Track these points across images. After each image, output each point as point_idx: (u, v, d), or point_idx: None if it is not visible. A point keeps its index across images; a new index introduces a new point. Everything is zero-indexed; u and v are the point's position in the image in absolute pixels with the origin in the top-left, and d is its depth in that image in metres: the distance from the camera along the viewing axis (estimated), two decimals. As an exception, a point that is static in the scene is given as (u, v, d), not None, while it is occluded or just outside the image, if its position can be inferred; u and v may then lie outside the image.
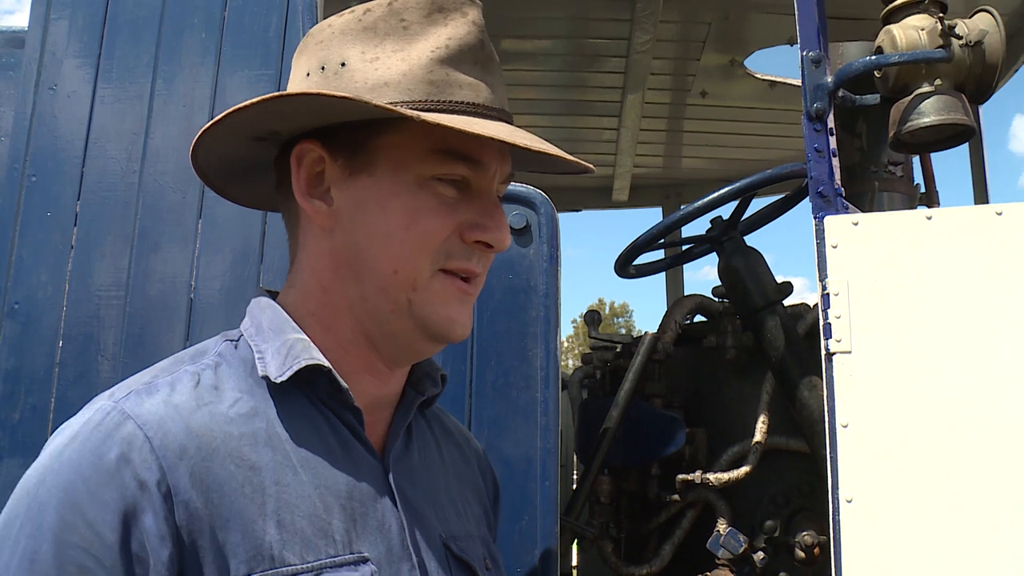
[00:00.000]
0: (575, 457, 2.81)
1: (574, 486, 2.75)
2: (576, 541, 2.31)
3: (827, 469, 1.89)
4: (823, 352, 1.91)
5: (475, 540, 1.30)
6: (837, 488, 1.87)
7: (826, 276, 1.94)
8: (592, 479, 2.32)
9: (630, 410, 2.59)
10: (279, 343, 1.12)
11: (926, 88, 2.01)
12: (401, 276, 1.11)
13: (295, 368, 1.09)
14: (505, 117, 1.14)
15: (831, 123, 2.05)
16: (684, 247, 2.76)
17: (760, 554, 2.43)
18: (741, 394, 2.63)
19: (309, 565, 1.02)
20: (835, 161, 2.05)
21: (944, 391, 1.83)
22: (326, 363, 1.11)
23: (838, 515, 1.85)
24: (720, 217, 2.58)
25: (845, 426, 1.88)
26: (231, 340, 1.16)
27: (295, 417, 1.10)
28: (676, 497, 2.59)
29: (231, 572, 0.97)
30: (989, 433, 1.80)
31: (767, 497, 2.58)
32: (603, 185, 4.69)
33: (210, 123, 1.11)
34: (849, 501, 1.85)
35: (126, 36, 2.22)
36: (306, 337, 1.13)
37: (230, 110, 1.08)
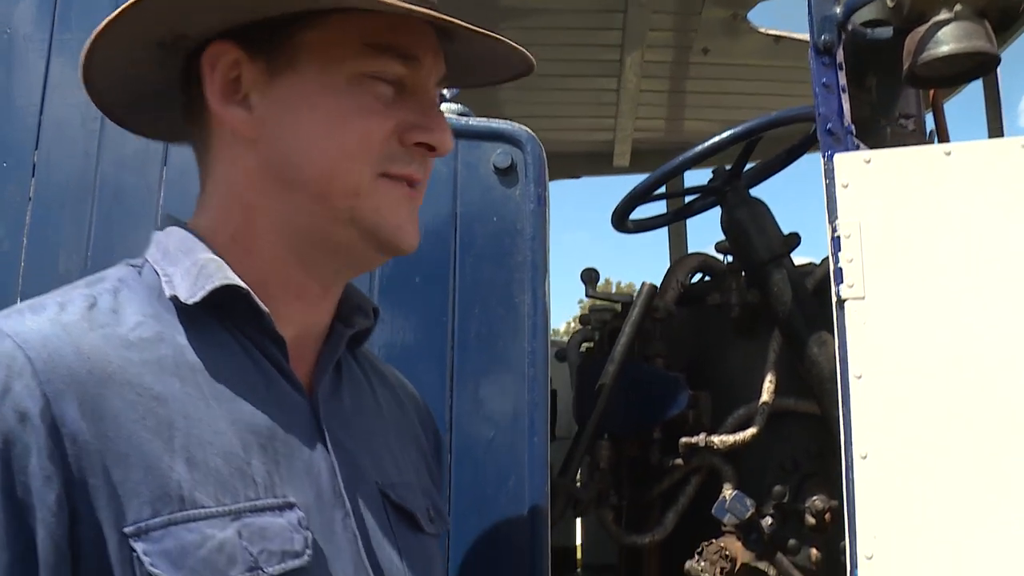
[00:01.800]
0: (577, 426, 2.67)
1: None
2: (574, 507, 2.18)
3: (839, 424, 1.75)
4: (834, 299, 1.78)
5: (414, 489, 1.17)
6: (851, 444, 1.74)
7: (836, 218, 1.80)
8: (588, 439, 2.19)
9: (630, 372, 2.46)
10: (189, 263, 0.99)
11: (944, 15, 1.86)
12: (340, 182, 1.00)
13: (208, 288, 0.96)
14: (434, 6, 1.02)
15: (840, 57, 1.91)
16: (685, 199, 2.62)
17: (768, 520, 2.31)
18: (747, 354, 2.51)
19: (227, 508, 0.88)
20: (845, 97, 1.91)
21: (964, 338, 1.70)
22: (243, 284, 0.98)
23: (852, 472, 1.73)
24: (722, 167, 2.44)
25: (859, 377, 1.75)
26: (134, 266, 1.03)
27: (209, 345, 0.97)
28: (679, 462, 2.46)
29: (132, 514, 0.83)
30: (1013, 382, 1.66)
31: (775, 462, 2.46)
32: (603, 150, 4.54)
33: (105, 22, 0.97)
34: (864, 457, 1.72)
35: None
36: (220, 258, 1.00)
37: (126, 4, 0.95)
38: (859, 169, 1.81)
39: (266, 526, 0.91)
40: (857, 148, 1.88)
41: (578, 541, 4.08)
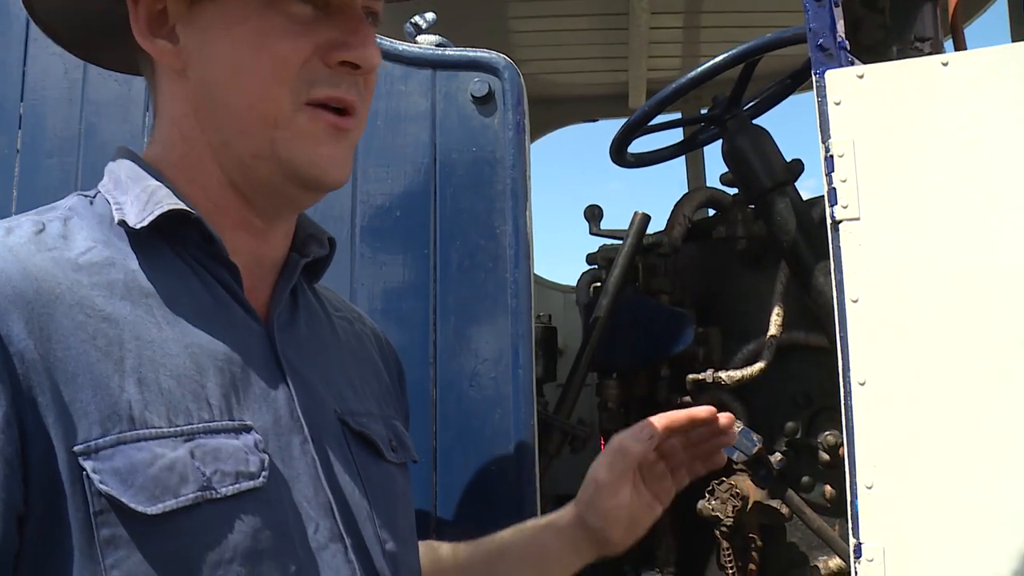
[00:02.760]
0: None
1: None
2: (571, 443, 2.16)
3: (837, 350, 1.70)
4: (828, 220, 1.71)
5: (375, 418, 1.16)
6: (848, 370, 1.68)
7: (829, 137, 1.73)
8: (582, 373, 2.16)
9: (636, 309, 2.43)
10: (138, 190, 0.98)
11: (947, -81, 1.77)
12: (258, 111, 0.97)
13: (157, 213, 0.95)
14: None
15: (833, -32, 1.83)
16: (683, 128, 2.55)
17: (778, 456, 2.26)
18: (755, 287, 2.45)
19: (179, 429, 0.88)
20: (837, 11, 1.83)
21: (965, 259, 1.63)
22: (192, 209, 0.97)
23: (850, 400, 1.67)
24: (723, 95, 2.37)
25: (855, 301, 1.69)
26: (86, 196, 1.02)
27: (161, 271, 0.96)
28: (687, 399, 2.42)
29: (81, 433, 0.83)
30: (1016, 302, 1.60)
31: (786, 397, 2.41)
32: (618, 92, 4.45)
33: None
34: (862, 384, 1.67)
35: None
36: (170, 183, 1.00)
37: None
38: (851, 85, 1.74)
39: (220, 447, 0.90)
40: (852, 64, 1.81)
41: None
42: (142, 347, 0.89)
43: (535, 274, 4.74)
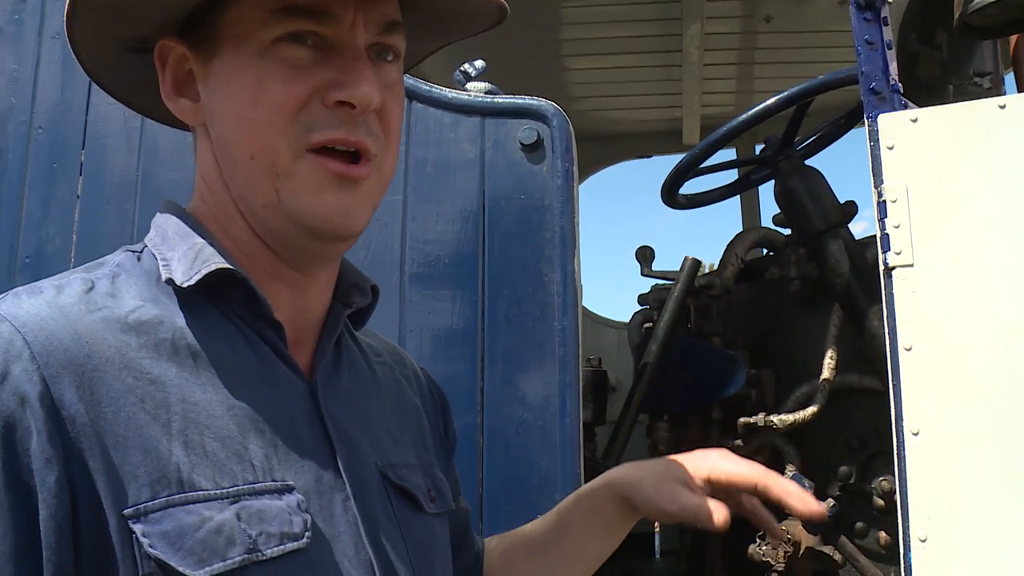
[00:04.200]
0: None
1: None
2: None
3: (891, 399, 1.67)
4: (881, 267, 1.69)
5: (415, 469, 1.15)
6: (901, 420, 1.65)
7: (882, 181, 1.71)
8: (631, 420, 2.14)
9: (687, 351, 2.41)
10: (186, 247, 0.99)
11: (995, -43, 1.75)
12: (258, 161, 0.96)
13: (204, 272, 0.95)
14: None
15: (884, 12, 1.81)
16: (737, 169, 2.54)
17: (830, 501, 2.22)
18: (810, 329, 2.42)
19: (224, 491, 0.88)
20: (890, 54, 1.81)
21: (1021, 307, 1.59)
22: (239, 269, 0.97)
23: (903, 450, 1.64)
24: (775, 136, 2.35)
25: (908, 349, 1.66)
26: (133, 251, 1.02)
27: (207, 330, 0.96)
28: (739, 443, 2.39)
29: (131, 497, 0.83)
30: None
31: (841, 440, 2.37)
32: (672, 128, 4.45)
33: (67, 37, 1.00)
34: (915, 434, 1.63)
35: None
36: (217, 242, 1.00)
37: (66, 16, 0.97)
38: (905, 129, 1.72)
39: (264, 508, 0.90)
40: (905, 107, 1.79)
41: (656, 527, 4.02)
42: (188, 409, 0.89)
43: (587, 309, 4.76)
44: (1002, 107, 1.68)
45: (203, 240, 0.99)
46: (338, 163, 0.96)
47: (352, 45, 0.97)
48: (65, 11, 0.97)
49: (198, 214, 1.05)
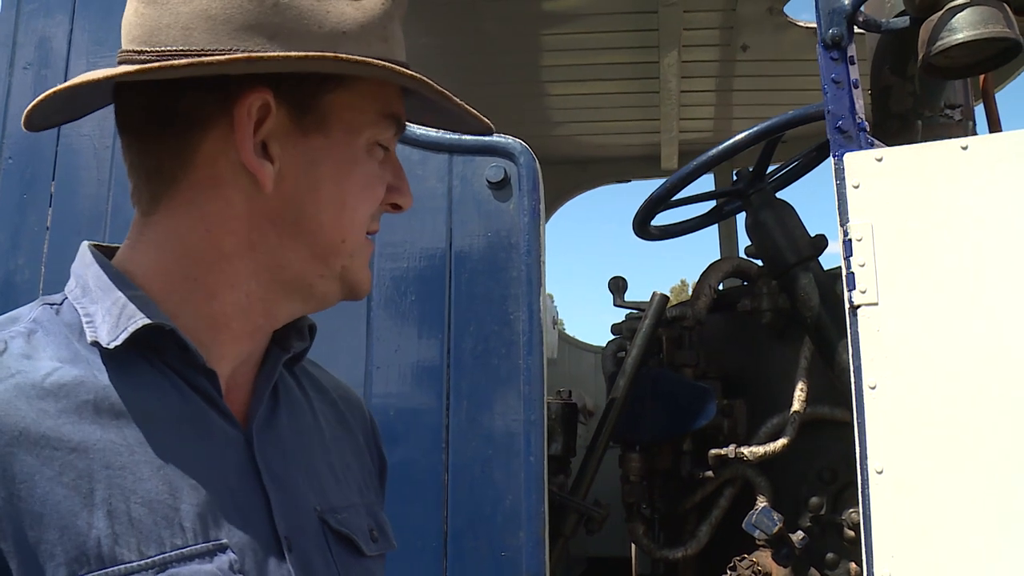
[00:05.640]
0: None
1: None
2: (584, 523, 2.14)
3: (855, 436, 1.67)
4: (847, 305, 1.70)
5: (358, 509, 1.13)
6: (866, 458, 1.66)
7: (847, 220, 1.72)
8: (598, 455, 2.15)
9: (658, 382, 2.41)
10: (109, 303, 0.94)
11: (958, 0, 1.77)
12: (348, 244, 1.02)
13: (131, 330, 0.91)
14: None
15: (851, 51, 1.84)
16: (707, 202, 2.55)
17: (800, 534, 2.22)
18: (780, 361, 2.43)
19: (150, 560, 0.85)
20: (856, 92, 1.83)
21: (984, 346, 1.61)
22: (167, 322, 0.94)
23: (867, 488, 1.65)
24: (746, 169, 2.37)
25: (873, 387, 1.67)
26: (51, 304, 0.98)
27: (134, 387, 0.93)
28: (710, 474, 2.39)
29: None
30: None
31: (812, 472, 2.37)
32: (651, 154, 4.47)
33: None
34: (879, 472, 1.65)
35: (97, 9, 2.13)
36: (143, 293, 0.96)
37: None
38: (870, 168, 1.73)
39: (193, 574, 0.88)
40: (871, 146, 1.80)
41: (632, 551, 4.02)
42: (112, 476, 0.86)
43: (566, 334, 4.76)
44: (964, 148, 1.70)
45: (128, 293, 0.95)
46: (371, 241, 1.07)
47: (393, 150, 1.07)
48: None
49: (142, 264, 1.00)
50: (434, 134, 1.81)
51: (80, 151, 2.07)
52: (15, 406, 0.84)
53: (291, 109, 0.97)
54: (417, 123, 1.12)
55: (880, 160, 1.73)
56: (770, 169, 2.45)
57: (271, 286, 1.01)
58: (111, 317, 0.93)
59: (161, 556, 0.86)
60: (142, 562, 0.84)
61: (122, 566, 0.83)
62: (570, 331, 4.91)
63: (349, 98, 0.98)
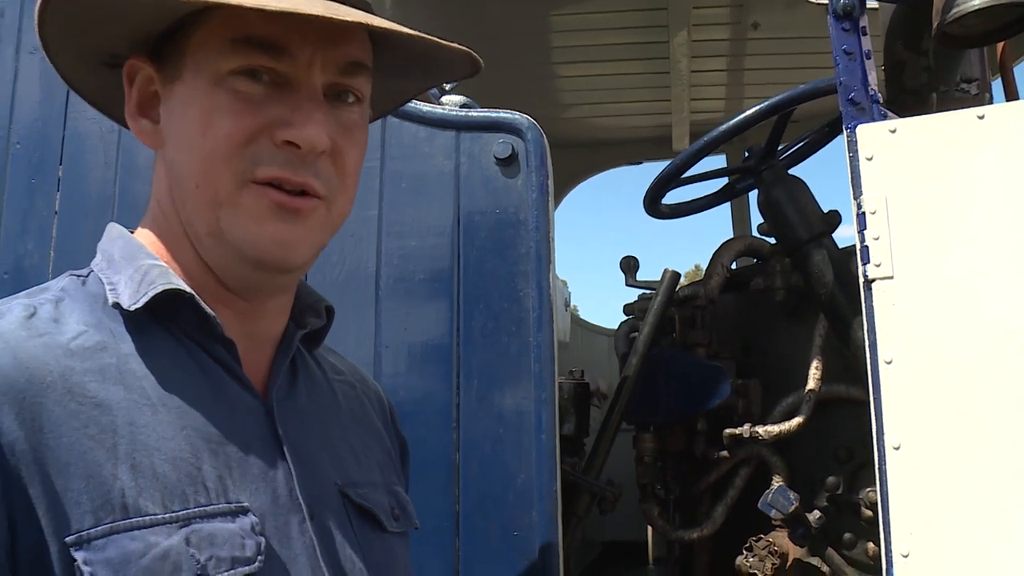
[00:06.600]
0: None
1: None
2: (597, 503, 2.12)
3: (871, 412, 1.65)
4: (861, 279, 1.67)
5: (378, 487, 1.14)
6: (883, 434, 1.64)
7: (860, 193, 1.70)
8: (611, 434, 2.13)
9: (672, 362, 2.39)
10: (132, 270, 0.97)
11: (975, -34, 1.73)
12: (203, 190, 0.95)
13: (151, 293, 0.94)
14: None
15: (863, 22, 1.80)
16: (719, 180, 2.53)
17: (816, 513, 2.20)
18: (794, 339, 2.40)
19: (174, 515, 0.86)
20: (869, 63, 1.80)
21: (1002, 318, 1.58)
22: (188, 288, 0.96)
23: (884, 464, 1.62)
24: (759, 146, 2.34)
25: (889, 363, 1.65)
26: (78, 276, 1.01)
27: (155, 352, 0.95)
28: (725, 454, 2.37)
29: (72, 524, 0.82)
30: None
31: (828, 451, 2.35)
32: (662, 135, 4.44)
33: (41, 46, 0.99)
34: (896, 448, 1.62)
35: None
36: (163, 263, 0.99)
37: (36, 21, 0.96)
38: (884, 140, 1.70)
39: (216, 532, 0.88)
40: (885, 118, 1.77)
41: (650, 535, 4.01)
42: (136, 432, 0.88)
43: (578, 317, 4.74)
44: (981, 117, 1.67)
45: (149, 262, 0.98)
46: (280, 193, 0.95)
47: (308, 84, 0.96)
48: (35, 21, 0.96)
49: (143, 235, 1.04)
50: (441, 111, 1.80)
51: (87, 135, 2.07)
52: (43, 361, 0.87)
53: (161, 66, 1.00)
54: (406, 98, 1.10)
55: (894, 131, 1.71)
56: (781, 146, 2.43)
57: (198, 249, 1.00)
58: (132, 283, 0.96)
59: (185, 511, 0.88)
60: (166, 515, 0.86)
61: (147, 517, 0.85)
62: (584, 316, 4.88)
63: (201, 36, 0.96)
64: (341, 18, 0.89)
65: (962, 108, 2.24)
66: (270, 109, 0.95)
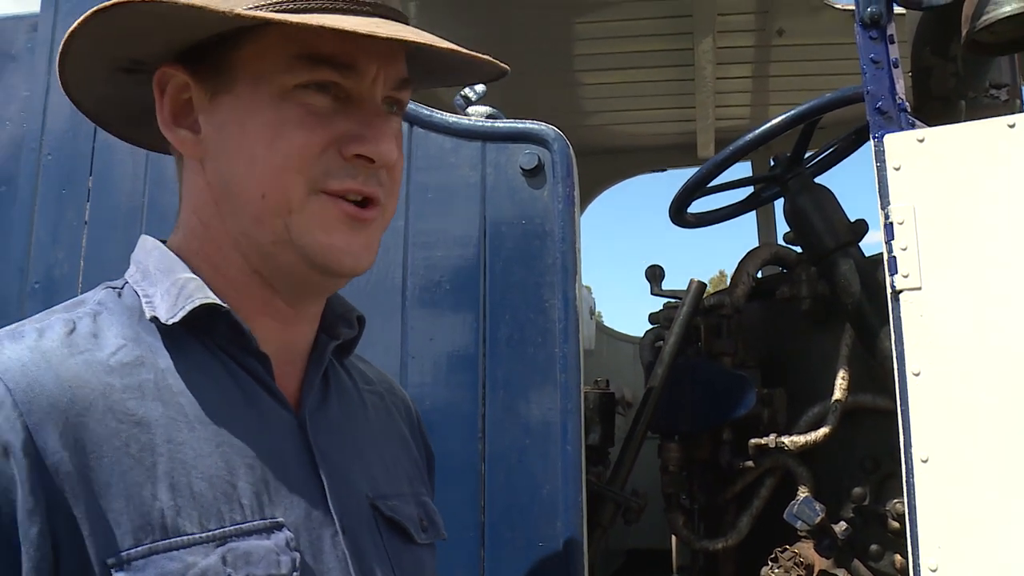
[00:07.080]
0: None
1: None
2: (622, 513, 2.12)
3: (899, 425, 1.64)
4: (888, 290, 1.66)
5: (407, 498, 1.15)
6: (910, 446, 1.62)
7: (888, 203, 1.68)
8: (636, 445, 2.13)
9: (697, 372, 2.39)
10: (168, 283, 0.99)
11: (1004, -28, 1.72)
12: (271, 200, 0.96)
13: (188, 308, 0.95)
14: (385, 12, 0.98)
15: (891, 29, 1.79)
16: (745, 189, 2.52)
17: (842, 524, 2.19)
18: (820, 349, 2.39)
19: (210, 534, 0.88)
20: (896, 72, 1.78)
21: (1032, 329, 1.56)
22: (223, 303, 0.97)
23: (912, 477, 1.61)
24: (784, 154, 2.33)
25: (917, 374, 1.63)
26: (114, 288, 1.02)
27: (191, 367, 0.96)
28: (750, 464, 2.36)
29: (113, 545, 0.83)
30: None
31: (854, 462, 2.33)
32: (687, 142, 4.43)
33: (60, 53, 1.00)
34: (924, 461, 1.61)
35: (134, 4, 2.15)
36: (197, 277, 0.99)
37: (66, 33, 0.97)
38: (912, 149, 1.69)
39: (251, 550, 0.89)
40: (912, 127, 1.76)
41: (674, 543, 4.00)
42: (174, 450, 0.89)
43: (604, 326, 4.74)
44: (1011, 126, 1.65)
45: (186, 275, 0.99)
46: (350, 206, 0.98)
47: (372, 99, 1.00)
48: (70, 30, 0.97)
49: (182, 248, 1.04)
50: (467, 122, 1.81)
51: (116, 147, 2.09)
52: (85, 379, 0.88)
53: (203, 77, 1.00)
54: (436, 85, 1.10)
55: (922, 141, 1.69)
56: (808, 154, 2.42)
57: (249, 257, 1.02)
58: (170, 297, 0.97)
59: (221, 530, 0.89)
60: (203, 535, 0.87)
61: (185, 537, 0.86)
62: (609, 323, 4.88)
63: (258, 49, 0.97)
64: (414, 39, 0.93)
65: (991, 114, 2.23)
66: (339, 123, 0.97)
